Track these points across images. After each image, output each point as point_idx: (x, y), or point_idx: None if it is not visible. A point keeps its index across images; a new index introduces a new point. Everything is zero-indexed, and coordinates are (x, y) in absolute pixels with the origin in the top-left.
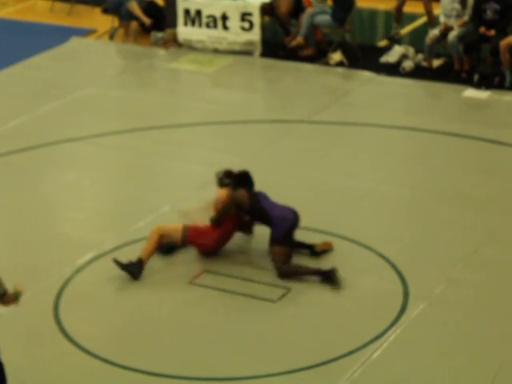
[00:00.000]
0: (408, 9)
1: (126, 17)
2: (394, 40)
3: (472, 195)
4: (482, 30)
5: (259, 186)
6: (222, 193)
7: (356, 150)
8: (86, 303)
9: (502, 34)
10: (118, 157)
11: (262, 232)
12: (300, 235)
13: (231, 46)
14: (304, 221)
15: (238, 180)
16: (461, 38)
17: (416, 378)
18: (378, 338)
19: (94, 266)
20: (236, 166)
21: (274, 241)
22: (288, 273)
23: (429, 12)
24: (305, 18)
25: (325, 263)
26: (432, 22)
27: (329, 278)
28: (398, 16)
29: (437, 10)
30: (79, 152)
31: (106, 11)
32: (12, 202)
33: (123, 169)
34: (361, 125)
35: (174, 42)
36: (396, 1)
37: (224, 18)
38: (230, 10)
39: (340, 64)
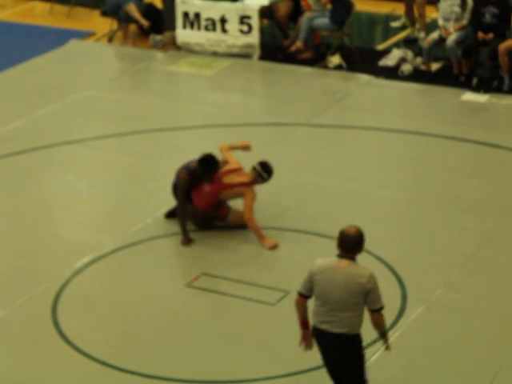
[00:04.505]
0: None
1: (124, 19)
2: (413, 42)
3: (470, 199)
4: (481, 35)
5: (258, 188)
6: None
7: (354, 153)
8: (84, 306)
9: (501, 37)
10: (117, 159)
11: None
12: (299, 238)
13: (230, 48)
14: (302, 224)
15: None
16: (459, 41)
17: (414, 381)
18: (376, 341)
19: (92, 268)
20: None
21: None
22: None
23: (421, 15)
24: (303, 22)
25: None
26: (423, 25)
27: None
28: (412, 18)
29: (435, 14)
30: (77, 154)
31: (104, 14)
32: (10, 205)
33: (121, 171)
34: (359, 128)
35: (172, 44)
36: (404, 5)
37: (223, 20)
38: (229, 12)
39: (339, 67)
